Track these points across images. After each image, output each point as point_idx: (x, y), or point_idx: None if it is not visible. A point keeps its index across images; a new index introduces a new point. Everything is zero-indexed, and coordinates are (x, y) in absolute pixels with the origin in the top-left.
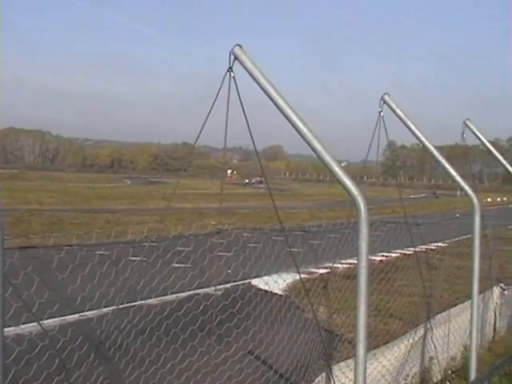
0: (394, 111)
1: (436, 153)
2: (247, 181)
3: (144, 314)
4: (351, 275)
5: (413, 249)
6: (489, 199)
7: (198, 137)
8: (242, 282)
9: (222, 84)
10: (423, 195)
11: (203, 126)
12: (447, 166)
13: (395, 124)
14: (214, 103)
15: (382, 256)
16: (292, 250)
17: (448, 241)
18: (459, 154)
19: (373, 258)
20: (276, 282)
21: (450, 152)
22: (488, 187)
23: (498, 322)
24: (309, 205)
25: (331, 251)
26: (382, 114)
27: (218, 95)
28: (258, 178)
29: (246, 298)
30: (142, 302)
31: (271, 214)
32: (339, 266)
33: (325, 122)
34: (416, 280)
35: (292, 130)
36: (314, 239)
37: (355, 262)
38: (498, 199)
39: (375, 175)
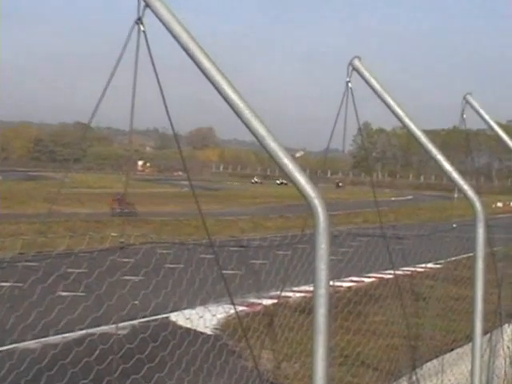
0: (366, 81)
1: (424, 139)
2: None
3: (16, 361)
4: (306, 308)
5: (393, 272)
6: (499, 204)
7: (94, 114)
8: (154, 318)
9: (127, 41)
10: (409, 197)
11: (101, 99)
12: (440, 158)
13: (370, 100)
14: (115, 68)
15: (351, 281)
16: (225, 272)
17: (441, 261)
18: (458, 142)
19: (337, 283)
20: (202, 318)
21: (446, 138)
22: (498, 187)
23: (509, 372)
24: (251, 210)
25: (279, 274)
26: (350, 85)
27: (121, 56)
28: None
29: (160, 339)
30: (14, 345)
31: (199, 222)
32: (290, 294)
33: (274, 96)
34: (397, 315)
35: (226, 108)
36: (257, 258)
37: (312, 289)
38: None
39: (343, 170)
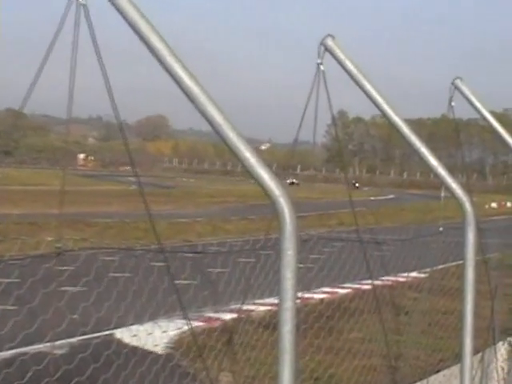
0: (341, 63)
1: (406, 130)
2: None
3: None
4: (271, 323)
5: (371, 282)
6: (493, 204)
7: (27, 99)
8: (96, 335)
9: (64, 17)
10: (390, 197)
11: (34, 82)
12: (425, 151)
13: (346, 85)
14: (51, 46)
15: (323, 293)
16: (178, 282)
17: (427, 269)
18: (446, 133)
19: (307, 295)
20: (151, 334)
21: (432, 129)
22: (492, 185)
23: None
24: (209, 211)
25: (240, 285)
26: (322, 67)
27: (58, 34)
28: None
29: (103, 358)
30: None
31: (148, 224)
32: (253, 308)
33: (234, 80)
34: (376, 331)
35: (180, 93)
36: (214, 265)
37: (278, 302)
38: (509, 204)
39: (315, 165)
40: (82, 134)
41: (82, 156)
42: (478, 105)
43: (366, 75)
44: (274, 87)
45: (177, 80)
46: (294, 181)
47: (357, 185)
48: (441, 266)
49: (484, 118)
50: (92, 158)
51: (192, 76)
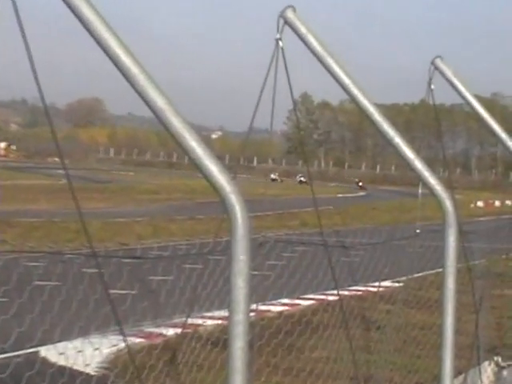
0: (302, 39)
1: (378, 117)
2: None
3: None
4: (221, 339)
5: (337, 292)
6: (479, 203)
7: None
8: (17, 353)
9: None
10: (361, 194)
11: None
12: (399, 141)
13: (310, 65)
14: None
15: (281, 305)
16: (113, 292)
17: (402, 278)
18: (426, 121)
19: (262, 307)
20: (82, 352)
21: (410, 116)
22: (479, 181)
23: None
24: (151, 209)
25: (185, 295)
26: (281, 43)
27: None
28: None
29: (24, 380)
30: None
31: (80, 225)
32: (200, 321)
33: (180, 59)
34: (342, 349)
35: (117, 73)
36: (155, 272)
37: (228, 314)
38: (497, 203)
39: (274, 156)
40: (3, 118)
41: (2, 145)
42: (461, 88)
43: (332, 53)
44: (227, 67)
45: (112, 58)
46: (276, 177)
47: (360, 183)
48: (418, 274)
49: (468, 104)
50: (14, 147)
51: (130, 53)
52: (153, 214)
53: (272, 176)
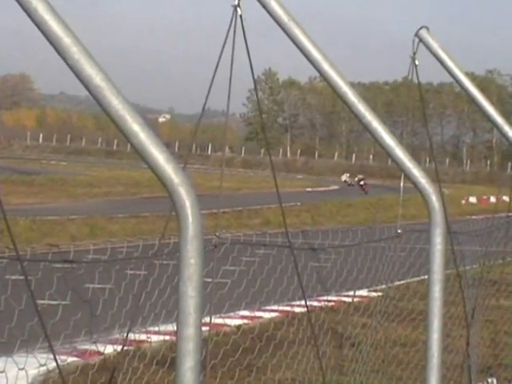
0: (263, 4)
1: (353, 97)
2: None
3: None
4: (168, 358)
5: (304, 303)
6: (472, 199)
7: None
8: None
9: None
10: (333, 188)
11: None
12: (378, 126)
13: (273, 35)
14: None
15: (239, 317)
16: (41, 302)
17: (380, 286)
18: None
19: (218, 321)
20: (3, 373)
21: (391, 96)
22: (472, 174)
23: None
24: (86, 206)
25: (126, 306)
26: (239, 10)
27: None
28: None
29: None
30: None
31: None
32: (143, 337)
33: (123, 24)
34: (311, 369)
35: (47, 45)
36: (91, 280)
37: (176, 329)
38: (492, 199)
39: (232, 143)
40: None
41: None
42: (451, 64)
43: (298, 22)
44: (176, 37)
45: (40, 25)
46: (362, 182)
47: (362, 182)
48: (399, 282)
49: (458, 83)
50: None
51: (61, 20)
52: (89, 211)
53: (344, 178)
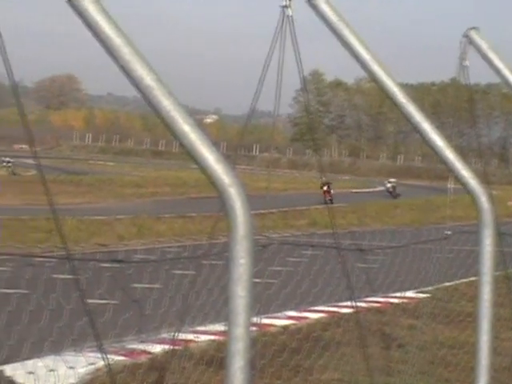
0: (313, 6)
1: (402, 98)
2: None
3: None
4: (216, 358)
5: (352, 304)
6: None
7: None
8: None
9: None
10: (380, 189)
11: None
12: (427, 127)
13: (322, 37)
14: None
15: (287, 318)
16: (91, 302)
17: (428, 287)
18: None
19: (266, 321)
20: (53, 372)
21: (439, 97)
22: None
23: None
24: (134, 206)
25: (175, 306)
26: (289, 11)
27: None
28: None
29: None
30: None
31: (51, 223)
32: (191, 337)
33: (173, 28)
34: (358, 370)
35: (96, 45)
36: (140, 279)
37: (225, 329)
38: None
39: (278, 144)
40: None
41: None
42: (500, 64)
43: (349, 23)
44: (225, 39)
45: (91, 26)
46: (390, 189)
47: (388, 185)
48: (447, 284)
49: (507, 84)
50: None
51: (112, 20)
52: (136, 211)
53: (388, 185)
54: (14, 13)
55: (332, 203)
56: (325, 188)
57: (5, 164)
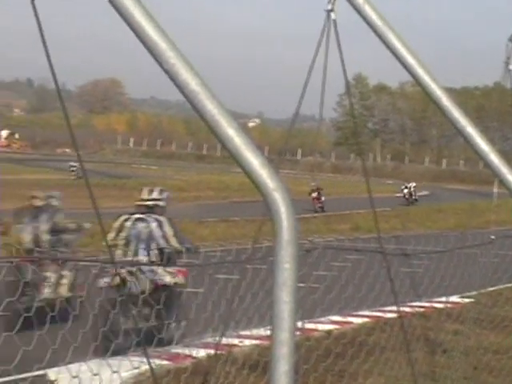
0: (359, 11)
1: (447, 102)
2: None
3: None
4: (260, 363)
5: (396, 309)
6: None
7: None
8: (23, 376)
9: None
10: (424, 193)
11: None
12: (472, 131)
13: (366, 41)
14: None
15: (331, 323)
16: None
17: (472, 292)
18: (502, 108)
19: (309, 326)
20: (97, 376)
21: (483, 101)
22: None
23: None
24: (177, 210)
25: (218, 310)
26: (333, 15)
27: None
28: None
29: None
30: None
31: (97, 227)
32: (235, 341)
33: (217, 32)
34: (403, 375)
35: (140, 49)
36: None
37: (269, 333)
38: None
39: (322, 148)
40: (4, 102)
41: (3, 133)
42: None
43: (393, 27)
44: (266, 43)
45: (136, 30)
46: (410, 197)
47: (405, 190)
48: (491, 288)
49: None
50: (17, 135)
51: (157, 24)
52: (179, 215)
53: (405, 190)
54: (58, 17)
55: (323, 211)
56: (314, 195)
57: (72, 169)
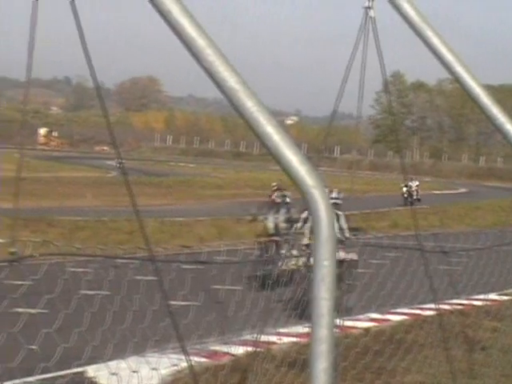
0: (398, 9)
1: (486, 99)
2: None
3: None
4: (299, 360)
5: (435, 306)
6: None
7: None
8: (62, 373)
9: None
10: (462, 191)
11: None
12: (511, 128)
13: (404, 39)
14: None
15: (369, 320)
16: (173, 303)
17: (511, 290)
18: None
19: (348, 323)
20: (136, 373)
21: None
22: None
23: None
24: (215, 207)
25: (257, 307)
26: (372, 13)
27: None
28: None
29: None
30: None
31: (133, 224)
32: (274, 339)
33: (255, 31)
34: (441, 373)
35: (178, 47)
36: (222, 281)
37: (307, 331)
38: None
39: (359, 146)
40: (43, 100)
41: (42, 131)
42: None
43: (431, 24)
44: (304, 41)
45: (175, 27)
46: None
47: (404, 189)
48: None
49: None
50: (56, 133)
51: (196, 22)
52: (217, 213)
53: (404, 189)
54: (96, 15)
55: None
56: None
57: (118, 166)
